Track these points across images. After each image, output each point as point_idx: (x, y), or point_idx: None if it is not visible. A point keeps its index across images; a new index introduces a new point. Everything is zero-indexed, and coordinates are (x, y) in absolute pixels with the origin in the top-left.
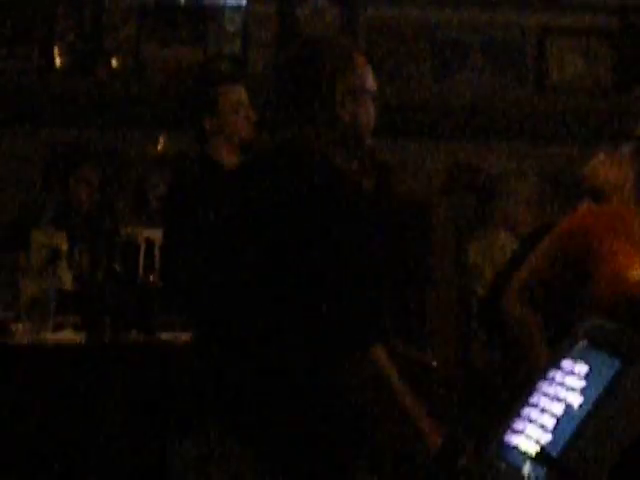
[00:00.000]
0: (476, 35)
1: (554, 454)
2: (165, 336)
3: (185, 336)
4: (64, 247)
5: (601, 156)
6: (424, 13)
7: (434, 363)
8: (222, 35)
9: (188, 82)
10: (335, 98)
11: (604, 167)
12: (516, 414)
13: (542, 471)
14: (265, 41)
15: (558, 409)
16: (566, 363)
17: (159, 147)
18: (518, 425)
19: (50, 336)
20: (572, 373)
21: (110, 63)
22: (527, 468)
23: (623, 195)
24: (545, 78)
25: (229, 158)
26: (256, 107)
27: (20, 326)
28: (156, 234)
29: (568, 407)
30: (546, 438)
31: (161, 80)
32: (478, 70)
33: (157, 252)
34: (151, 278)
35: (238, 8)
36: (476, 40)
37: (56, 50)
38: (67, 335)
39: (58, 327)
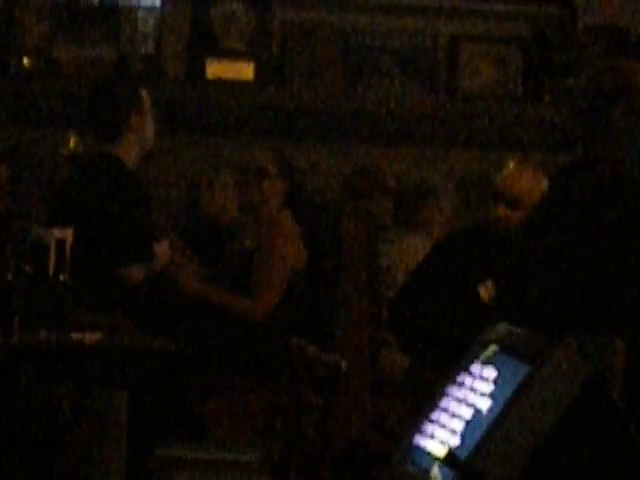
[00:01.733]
0: (388, 41)
1: (462, 457)
2: (75, 336)
3: (95, 336)
4: None
5: (516, 165)
6: (337, 18)
7: (344, 365)
8: (136, 35)
9: (103, 80)
10: None
11: (519, 176)
12: (425, 417)
13: (450, 474)
14: (178, 42)
15: (467, 413)
16: (475, 367)
17: (70, 146)
18: (427, 428)
19: None
20: (481, 377)
21: (22, 62)
22: (435, 471)
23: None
24: (456, 85)
25: (135, 160)
26: (167, 108)
27: None
28: (66, 233)
29: (477, 411)
30: (454, 441)
31: (73, 79)
32: (389, 76)
33: (68, 251)
34: (61, 278)
35: (152, 9)
36: (388, 46)
37: None
38: None
39: None
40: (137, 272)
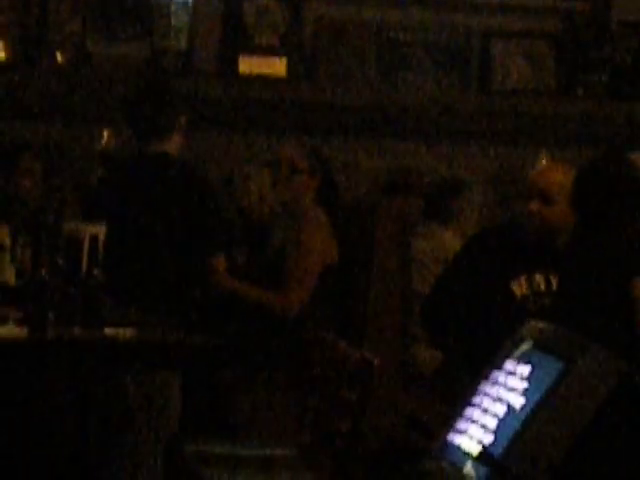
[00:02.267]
0: (421, 36)
1: (496, 455)
2: (109, 332)
3: (130, 332)
4: (7, 241)
5: (548, 160)
6: (370, 13)
7: (375, 360)
8: (168, 31)
9: (135, 77)
10: None
11: (552, 171)
12: (459, 414)
13: (484, 471)
14: (211, 37)
15: (501, 410)
16: (509, 364)
17: (103, 142)
18: (461, 425)
19: None
20: (515, 374)
21: (55, 57)
22: (469, 468)
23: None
24: (489, 80)
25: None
26: (199, 104)
27: None
28: (100, 229)
29: (511, 408)
30: (488, 439)
31: (106, 75)
32: (422, 71)
33: (101, 247)
34: (95, 273)
35: (185, 4)
36: (421, 41)
37: (1, 44)
38: (9, 330)
39: (0, 321)
40: (222, 261)
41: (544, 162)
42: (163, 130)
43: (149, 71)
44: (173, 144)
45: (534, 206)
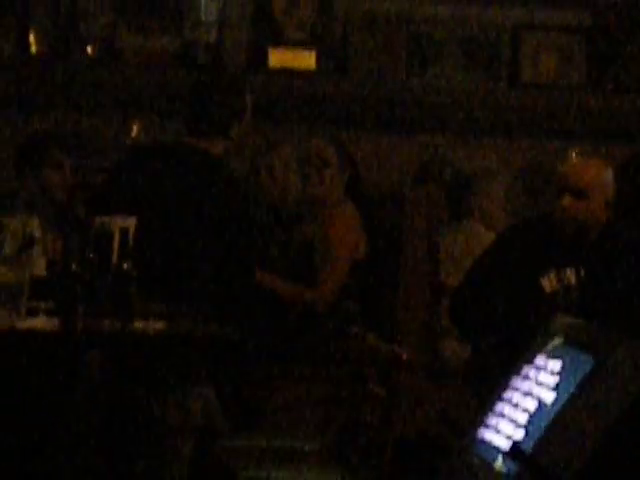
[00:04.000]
0: (451, 30)
1: (526, 449)
2: (139, 324)
3: (160, 324)
4: (38, 234)
5: (580, 155)
6: (400, 7)
7: (405, 355)
8: (198, 24)
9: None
10: None
11: (584, 165)
12: (489, 409)
13: (514, 466)
14: (241, 31)
15: (531, 405)
16: (540, 359)
17: (133, 134)
18: (491, 420)
19: (23, 322)
20: (545, 369)
21: (85, 50)
22: (499, 463)
23: (603, 195)
24: (519, 74)
25: None
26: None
27: None
28: (130, 222)
29: (541, 403)
30: (519, 434)
31: (136, 68)
32: (452, 65)
33: (131, 240)
34: (125, 266)
35: None
36: (450, 35)
37: (32, 37)
38: (40, 322)
39: (31, 313)
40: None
41: (574, 156)
42: (222, 128)
43: (214, 66)
44: (221, 144)
45: (566, 201)
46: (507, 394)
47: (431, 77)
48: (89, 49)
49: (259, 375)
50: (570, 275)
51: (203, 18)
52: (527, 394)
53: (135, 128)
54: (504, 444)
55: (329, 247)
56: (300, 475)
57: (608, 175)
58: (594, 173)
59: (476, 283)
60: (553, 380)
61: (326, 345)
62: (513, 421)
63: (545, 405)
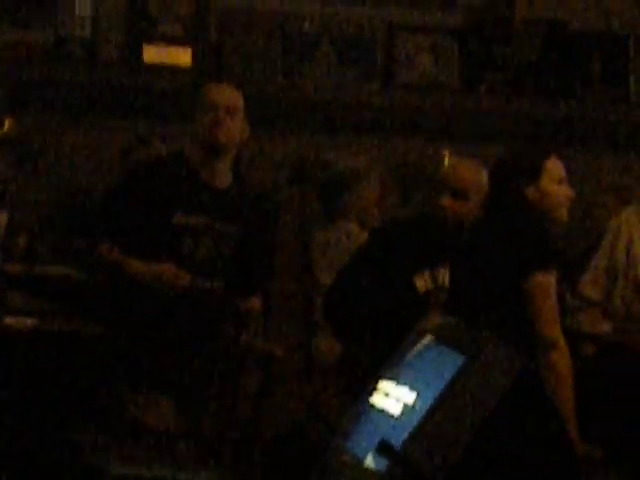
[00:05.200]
0: (325, 29)
1: (397, 447)
2: (10, 320)
3: (30, 321)
4: None
5: (457, 156)
6: (275, 5)
7: (279, 352)
8: (73, 19)
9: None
10: None
11: (463, 166)
12: (361, 406)
13: (384, 463)
14: (116, 26)
15: (402, 403)
16: (410, 357)
17: (4, 129)
18: (362, 417)
19: None
20: (416, 367)
21: None
22: (369, 460)
23: (479, 195)
24: (393, 74)
25: None
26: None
27: None
28: (1, 217)
29: (412, 401)
30: (389, 431)
31: (10, 63)
32: (327, 63)
33: (2, 236)
34: None
35: None
36: (325, 34)
37: None
38: None
39: None
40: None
41: (452, 157)
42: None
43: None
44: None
45: (446, 201)
46: (378, 391)
47: (306, 76)
48: None
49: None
50: (444, 274)
51: (77, 12)
52: (398, 391)
53: (7, 123)
54: (374, 441)
55: None
56: (174, 473)
57: (484, 176)
58: (473, 174)
59: (349, 281)
60: (424, 378)
61: (199, 347)
62: (384, 418)
63: (416, 402)
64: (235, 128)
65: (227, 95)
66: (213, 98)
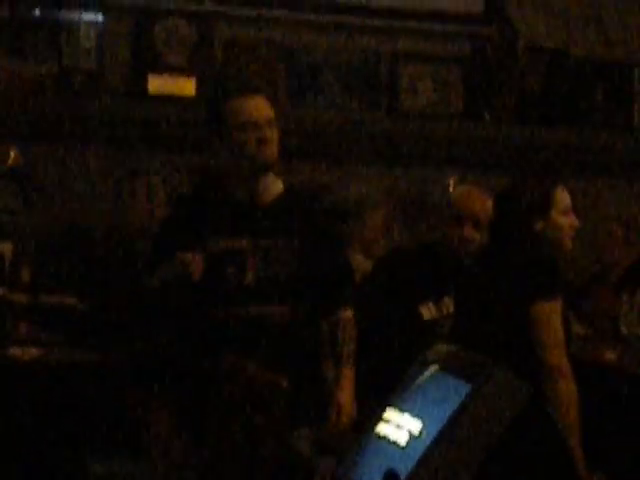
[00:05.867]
0: (330, 59)
1: (403, 476)
2: (14, 351)
3: (34, 351)
4: None
5: (464, 185)
6: (280, 35)
7: (284, 384)
8: (78, 50)
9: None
10: None
11: (481, 197)
12: (366, 436)
13: None
14: (121, 57)
15: (408, 432)
16: (416, 386)
17: (10, 161)
18: (368, 446)
19: None
20: (422, 396)
21: None
22: None
23: (487, 224)
24: (397, 103)
25: None
26: (111, 123)
27: None
28: (5, 248)
29: (418, 430)
30: (395, 460)
31: (14, 94)
32: (331, 93)
33: (7, 266)
34: (0, 292)
35: (94, 23)
36: (330, 64)
37: None
38: None
39: None
40: None
41: (453, 184)
42: None
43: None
44: None
45: (468, 232)
46: (383, 420)
47: (310, 105)
48: None
49: (135, 399)
50: (449, 303)
51: (82, 43)
52: (403, 421)
53: (12, 155)
54: (381, 471)
55: None
56: None
57: (491, 204)
58: (485, 203)
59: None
60: (429, 407)
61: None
62: (389, 448)
63: (422, 432)
64: (277, 140)
65: (262, 108)
66: (252, 114)
